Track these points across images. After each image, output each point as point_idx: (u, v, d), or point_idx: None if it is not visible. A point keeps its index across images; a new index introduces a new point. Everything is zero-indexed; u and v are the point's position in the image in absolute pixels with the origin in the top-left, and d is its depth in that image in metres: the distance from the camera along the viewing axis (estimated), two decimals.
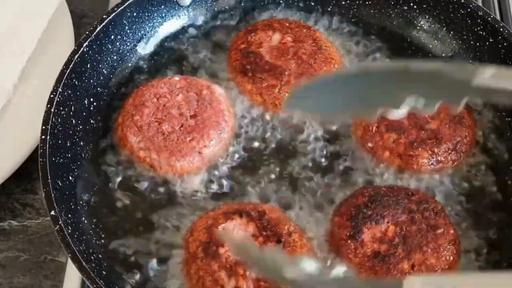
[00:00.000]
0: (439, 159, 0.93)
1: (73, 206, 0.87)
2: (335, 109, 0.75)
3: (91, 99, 0.99)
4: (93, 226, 0.89)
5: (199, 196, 0.92)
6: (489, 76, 0.63)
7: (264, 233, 0.84)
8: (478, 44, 1.03)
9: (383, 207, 0.87)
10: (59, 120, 0.90)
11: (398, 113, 0.63)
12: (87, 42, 0.97)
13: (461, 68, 0.65)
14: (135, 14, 1.04)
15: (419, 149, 0.93)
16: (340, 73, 0.79)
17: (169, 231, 0.88)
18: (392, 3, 1.09)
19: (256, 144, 0.97)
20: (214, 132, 0.95)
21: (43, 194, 0.82)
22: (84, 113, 0.97)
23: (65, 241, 0.79)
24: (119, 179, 0.93)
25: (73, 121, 0.94)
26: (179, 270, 0.85)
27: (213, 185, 0.93)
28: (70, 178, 0.90)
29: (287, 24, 1.07)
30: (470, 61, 1.04)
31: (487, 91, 0.63)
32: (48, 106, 0.89)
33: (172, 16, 1.09)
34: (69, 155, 0.91)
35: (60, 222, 0.80)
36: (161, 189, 0.92)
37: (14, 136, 1.02)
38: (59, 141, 0.90)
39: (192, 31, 1.10)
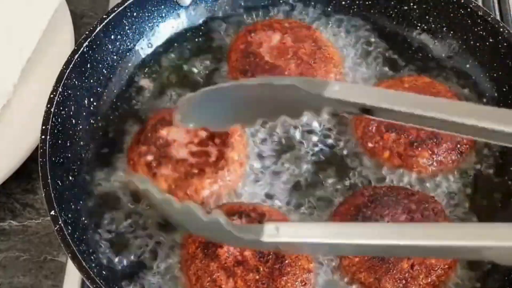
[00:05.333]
0: (439, 159, 0.93)
1: (73, 206, 0.87)
2: (220, 120, 0.82)
3: (91, 99, 0.99)
4: (93, 226, 0.89)
5: None
6: (336, 89, 0.72)
7: None
8: (478, 44, 1.03)
9: (383, 207, 0.87)
10: (59, 120, 0.90)
11: None
12: (87, 42, 0.97)
13: (312, 83, 0.73)
14: (135, 14, 1.04)
15: (419, 149, 0.93)
16: (218, 87, 0.83)
17: (168, 231, 0.88)
18: (392, 3, 1.09)
19: (254, 143, 0.97)
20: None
21: (43, 194, 0.82)
22: (84, 113, 0.97)
23: (65, 241, 0.79)
24: (119, 179, 0.93)
25: (73, 121, 0.94)
26: (178, 270, 0.85)
27: None
28: (70, 178, 0.90)
29: (287, 24, 1.07)
30: (470, 61, 1.04)
31: (337, 102, 0.72)
32: (48, 106, 0.89)
33: (172, 16, 1.09)
34: (69, 155, 0.91)
35: (60, 222, 0.80)
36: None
37: (14, 136, 1.02)
38: (59, 141, 0.90)
39: (192, 31, 1.10)
